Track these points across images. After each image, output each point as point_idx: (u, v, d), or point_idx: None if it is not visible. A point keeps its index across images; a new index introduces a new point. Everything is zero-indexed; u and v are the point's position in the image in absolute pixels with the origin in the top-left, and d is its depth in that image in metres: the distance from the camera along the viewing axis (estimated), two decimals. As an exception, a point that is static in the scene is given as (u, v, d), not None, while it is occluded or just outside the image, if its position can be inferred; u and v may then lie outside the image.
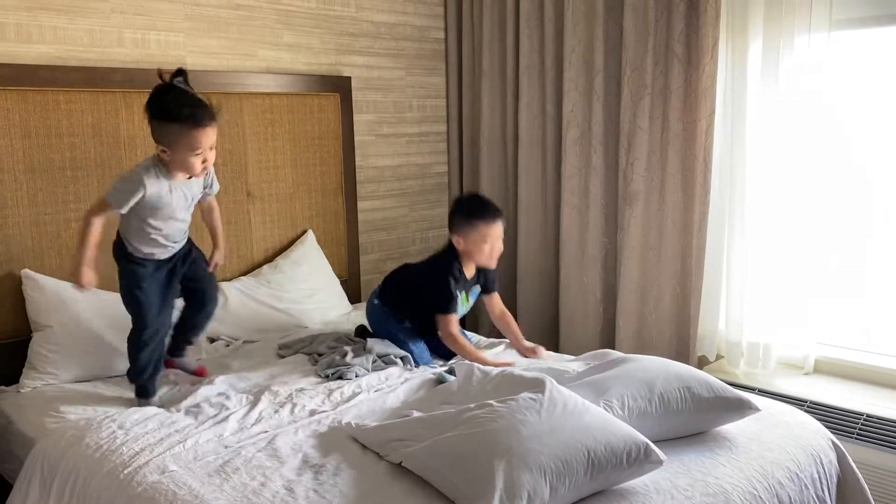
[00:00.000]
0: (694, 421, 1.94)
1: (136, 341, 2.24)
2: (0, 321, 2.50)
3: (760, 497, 1.73)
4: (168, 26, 2.83)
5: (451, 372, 2.37)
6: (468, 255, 2.60)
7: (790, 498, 1.80)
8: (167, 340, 2.37)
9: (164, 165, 2.15)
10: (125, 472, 1.78)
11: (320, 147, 3.29)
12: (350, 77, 3.38)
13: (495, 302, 2.82)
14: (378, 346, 2.58)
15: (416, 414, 1.97)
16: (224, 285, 2.91)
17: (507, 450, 1.58)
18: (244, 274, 3.06)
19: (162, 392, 2.31)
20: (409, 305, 2.66)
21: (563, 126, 3.33)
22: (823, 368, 2.95)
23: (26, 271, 2.50)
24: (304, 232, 3.26)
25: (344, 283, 3.35)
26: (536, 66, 3.46)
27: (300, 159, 3.22)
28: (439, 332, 2.58)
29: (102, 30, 2.68)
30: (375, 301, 2.72)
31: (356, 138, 3.45)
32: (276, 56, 3.16)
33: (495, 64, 3.64)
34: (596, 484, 1.62)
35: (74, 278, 2.13)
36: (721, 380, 2.06)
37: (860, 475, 2.07)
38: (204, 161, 2.14)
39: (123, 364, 2.48)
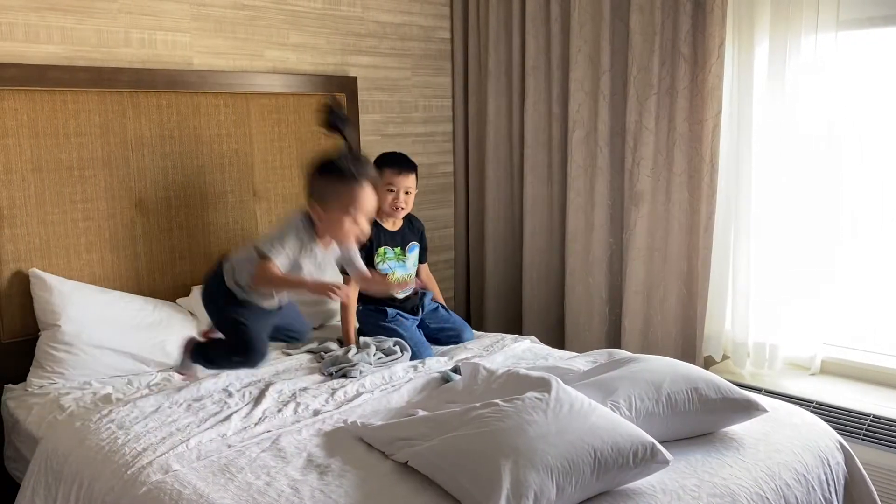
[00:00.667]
0: (701, 422, 1.93)
1: (227, 362, 2.20)
2: (8, 320, 2.51)
3: (767, 498, 1.72)
4: (175, 26, 2.84)
5: (456, 370, 2.37)
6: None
7: (797, 499, 1.79)
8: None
9: (312, 225, 2.10)
10: (129, 472, 1.78)
11: (326, 147, 3.28)
12: (356, 77, 3.38)
13: (420, 271, 3.01)
14: (372, 341, 2.64)
15: (421, 413, 1.97)
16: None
17: (513, 450, 1.58)
18: (250, 273, 3.07)
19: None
20: None
21: (569, 126, 3.33)
22: (830, 369, 2.94)
23: (34, 270, 2.51)
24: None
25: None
26: (542, 66, 3.46)
27: (306, 159, 3.22)
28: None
29: (109, 30, 2.68)
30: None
31: (362, 138, 3.45)
32: (282, 56, 3.16)
33: (501, 64, 3.64)
34: (602, 484, 1.62)
35: (330, 291, 2.03)
36: (727, 380, 2.06)
37: (868, 477, 2.06)
38: (362, 227, 2.07)
39: (130, 364, 2.51)
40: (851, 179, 2.84)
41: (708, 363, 3.13)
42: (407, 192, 2.79)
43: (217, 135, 2.94)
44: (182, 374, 2.39)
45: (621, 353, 2.47)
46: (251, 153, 3.05)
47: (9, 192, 2.47)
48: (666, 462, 1.66)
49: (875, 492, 2.06)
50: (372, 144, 3.53)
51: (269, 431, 1.99)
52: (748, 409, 1.96)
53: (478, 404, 1.80)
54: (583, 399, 1.79)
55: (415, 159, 3.70)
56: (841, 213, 2.85)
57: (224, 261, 2.21)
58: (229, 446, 1.91)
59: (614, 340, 3.32)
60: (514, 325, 3.70)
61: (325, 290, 2.04)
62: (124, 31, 2.72)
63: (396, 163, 2.78)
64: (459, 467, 1.61)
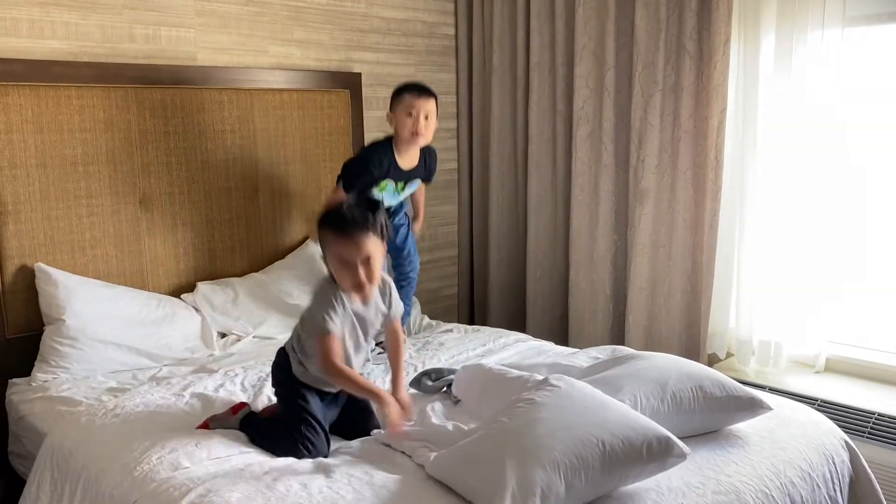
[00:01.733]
0: (706, 420, 1.92)
1: (282, 448, 1.88)
2: (13, 315, 2.51)
3: (772, 496, 1.72)
4: (179, 22, 2.83)
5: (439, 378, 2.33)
6: (397, 133, 2.67)
7: (802, 497, 1.79)
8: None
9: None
10: (138, 468, 1.78)
11: (330, 143, 3.29)
12: (360, 73, 3.38)
13: (421, 190, 2.98)
14: None
15: (434, 420, 1.97)
16: (234, 281, 2.92)
17: (519, 448, 1.57)
18: (255, 270, 3.07)
19: None
20: None
21: (574, 123, 3.32)
22: (835, 367, 2.93)
23: (39, 265, 2.51)
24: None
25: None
26: (547, 62, 3.45)
27: (310, 156, 3.22)
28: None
29: (114, 26, 2.68)
30: None
31: (366, 135, 3.44)
32: (286, 52, 3.16)
33: (505, 60, 3.63)
34: (615, 479, 1.59)
35: (379, 399, 1.85)
36: (732, 378, 2.06)
37: (873, 476, 2.05)
38: (357, 278, 1.86)
39: (134, 359, 2.51)
40: (858, 177, 2.83)
41: (712, 361, 3.12)
42: (426, 118, 2.64)
43: (221, 131, 2.94)
44: (205, 427, 2.03)
45: (625, 349, 2.47)
46: (255, 149, 3.05)
47: (13, 188, 2.47)
48: (683, 456, 1.63)
49: (880, 492, 2.05)
50: (376, 141, 3.52)
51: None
52: (753, 408, 1.96)
53: (499, 412, 1.77)
54: (596, 394, 1.78)
55: (418, 156, 3.73)
56: (847, 210, 2.84)
57: (287, 347, 2.03)
58: (239, 444, 1.91)
59: (618, 337, 3.32)
60: (518, 322, 3.70)
61: (373, 395, 1.86)
62: (128, 26, 2.71)
63: (416, 87, 2.67)
64: (468, 469, 1.61)
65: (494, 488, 1.50)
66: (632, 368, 2.03)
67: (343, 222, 1.85)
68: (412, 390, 2.27)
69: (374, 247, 1.87)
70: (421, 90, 2.66)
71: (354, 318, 1.94)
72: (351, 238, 1.84)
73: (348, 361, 1.94)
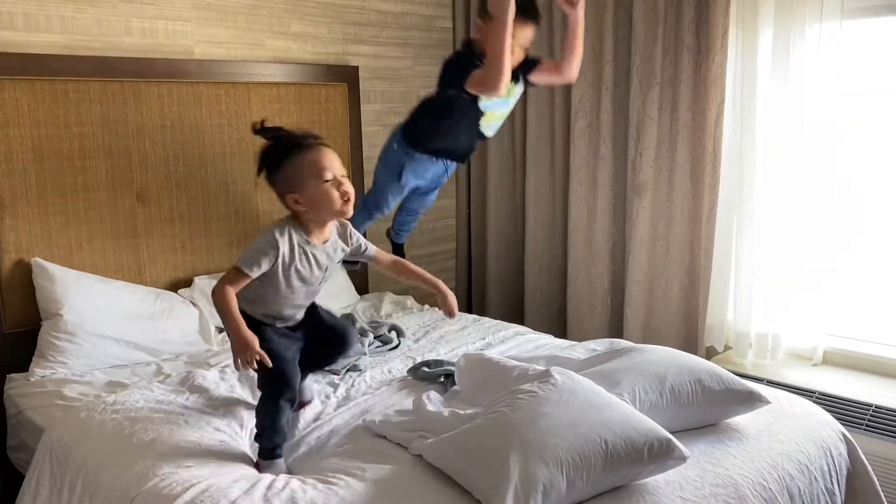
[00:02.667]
0: (704, 413, 1.93)
1: (275, 406, 1.87)
2: (10, 310, 2.51)
3: (770, 489, 1.72)
4: (176, 15, 2.82)
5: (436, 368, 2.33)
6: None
7: (800, 490, 1.80)
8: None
9: (301, 224, 1.87)
10: (138, 463, 1.78)
11: (328, 137, 3.26)
12: (357, 66, 3.37)
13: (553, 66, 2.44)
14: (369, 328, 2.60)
15: (430, 405, 1.97)
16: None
17: (523, 443, 1.57)
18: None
19: None
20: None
21: (572, 116, 3.32)
22: (832, 359, 2.94)
23: (36, 259, 2.51)
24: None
25: (351, 274, 3.35)
26: (544, 55, 3.44)
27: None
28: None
29: (110, 19, 2.67)
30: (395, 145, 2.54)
31: (363, 128, 3.44)
32: (283, 45, 3.15)
33: (503, 53, 3.61)
34: (615, 478, 1.60)
35: (241, 351, 1.78)
36: (730, 371, 2.06)
37: (870, 468, 2.06)
38: (343, 190, 1.82)
39: (132, 353, 2.51)
40: (855, 170, 2.83)
41: (710, 353, 3.13)
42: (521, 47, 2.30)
43: (218, 125, 2.93)
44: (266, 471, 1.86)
45: (622, 342, 2.47)
46: (252, 143, 3.04)
47: (10, 182, 2.47)
48: (683, 458, 1.63)
49: (878, 485, 2.06)
50: (373, 135, 3.52)
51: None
52: (751, 401, 1.96)
53: (496, 400, 1.78)
54: (598, 392, 1.77)
55: (416, 149, 3.72)
56: (844, 203, 2.84)
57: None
58: (239, 440, 1.91)
59: (616, 330, 3.32)
60: (516, 315, 3.70)
61: (240, 349, 1.77)
62: (125, 20, 2.70)
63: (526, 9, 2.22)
64: (470, 460, 1.61)
65: (497, 482, 1.50)
66: (630, 361, 2.03)
67: (303, 137, 1.80)
68: (409, 377, 2.29)
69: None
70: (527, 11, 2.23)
71: (311, 256, 1.88)
72: (327, 149, 1.80)
73: (295, 298, 1.91)
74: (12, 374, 2.45)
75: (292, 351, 1.97)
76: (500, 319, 3.43)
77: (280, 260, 1.84)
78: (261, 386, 1.97)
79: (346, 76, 3.31)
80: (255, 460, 1.84)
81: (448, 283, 3.92)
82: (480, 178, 3.83)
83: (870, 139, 2.80)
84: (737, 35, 2.91)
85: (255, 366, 1.77)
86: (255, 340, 1.76)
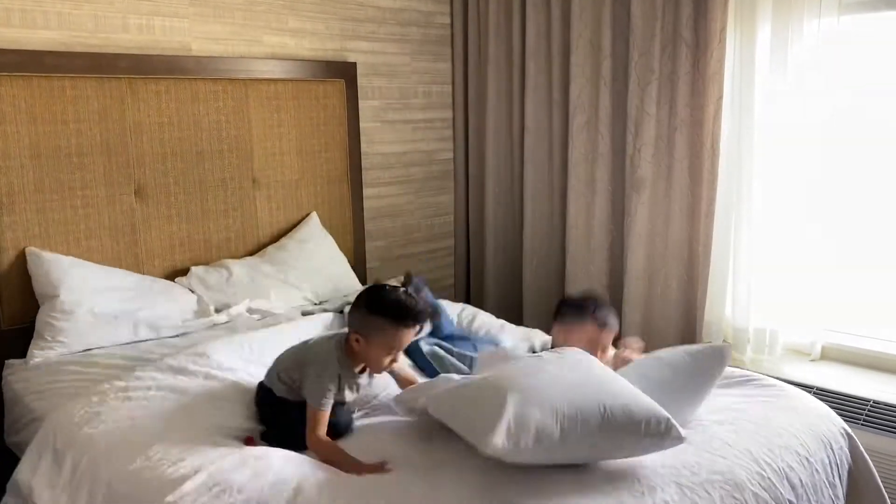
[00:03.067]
0: (684, 388, 1.89)
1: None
2: (7, 306, 2.51)
3: (769, 478, 1.72)
4: (173, 12, 2.81)
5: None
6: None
7: (801, 481, 1.79)
8: None
9: (350, 353, 1.96)
10: (152, 448, 1.77)
11: (325, 134, 3.28)
12: (355, 63, 3.36)
13: None
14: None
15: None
16: (229, 262, 2.91)
17: (522, 387, 1.59)
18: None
19: None
20: None
21: (570, 112, 3.31)
22: (830, 355, 2.94)
23: (31, 248, 2.50)
24: (308, 215, 3.26)
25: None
26: (543, 51, 3.44)
27: (305, 146, 3.21)
28: None
29: (107, 15, 2.66)
30: None
31: (361, 125, 3.44)
32: (281, 42, 3.15)
33: (501, 49, 3.62)
34: (610, 445, 1.60)
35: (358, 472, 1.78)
36: (728, 366, 2.04)
37: (872, 465, 2.05)
38: (391, 360, 1.97)
39: (132, 332, 2.49)
40: (853, 164, 2.83)
41: (708, 349, 3.13)
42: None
43: (216, 121, 2.92)
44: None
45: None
46: (250, 140, 3.04)
47: (7, 179, 2.46)
48: (680, 439, 1.63)
49: (879, 481, 2.05)
50: (371, 131, 3.52)
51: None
52: (717, 353, 1.93)
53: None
54: (605, 369, 1.79)
55: (414, 146, 3.73)
56: (843, 198, 2.84)
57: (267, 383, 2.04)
58: (242, 419, 1.92)
59: (615, 327, 3.32)
60: (515, 312, 3.70)
61: (356, 469, 1.79)
62: (122, 16, 2.70)
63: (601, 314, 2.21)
64: (469, 405, 1.64)
65: (491, 420, 1.52)
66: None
67: (407, 315, 1.91)
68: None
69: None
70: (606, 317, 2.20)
71: (353, 385, 1.99)
72: (408, 331, 1.92)
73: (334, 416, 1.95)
74: (10, 360, 2.43)
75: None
76: (498, 315, 3.44)
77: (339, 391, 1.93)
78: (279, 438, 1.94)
79: (344, 72, 3.31)
80: (250, 437, 1.90)
81: (447, 279, 3.95)
82: (478, 174, 3.83)
83: (867, 133, 2.80)
84: (735, 30, 2.90)
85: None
86: (362, 465, 1.76)
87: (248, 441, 1.89)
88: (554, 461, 1.59)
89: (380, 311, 1.90)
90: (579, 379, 1.68)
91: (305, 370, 1.93)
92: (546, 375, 1.66)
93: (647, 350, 2.25)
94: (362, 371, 2.00)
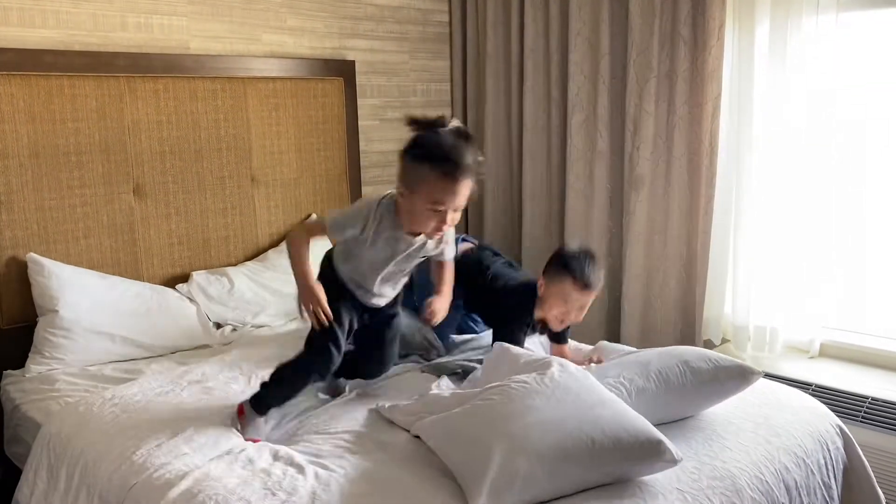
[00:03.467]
0: (698, 395, 1.91)
1: (301, 377, 1.90)
2: (6, 306, 2.51)
3: (767, 481, 1.72)
4: (171, 10, 2.81)
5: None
6: (541, 302, 2.28)
7: (797, 483, 1.80)
8: None
9: (397, 213, 1.82)
10: (137, 453, 1.78)
11: (324, 132, 3.28)
12: (354, 61, 3.36)
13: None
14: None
15: (436, 390, 2.00)
16: (230, 270, 2.91)
17: (507, 435, 1.58)
18: (250, 259, 3.06)
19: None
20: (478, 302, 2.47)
21: (569, 110, 3.31)
22: (829, 352, 2.94)
23: (32, 255, 2.51)
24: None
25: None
26: (541, 49, 3.44)
27: (304, 144, 3.21)
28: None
29: (105, 14, 2.66)
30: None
31: (360, 123, 3.44)
32: (279, 40, 3.14)
33: (500, 47, 3.61)
34: (600, 475, 1.58)
35: (307, 299, 1.84)
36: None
37: (867, 463, 2.06)
38: (440, 223, 1.76)
39: (129, 349, 2.51)
40: (852, 162, 2.83)
41: (707, 346, 3.12)
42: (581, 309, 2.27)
43: (214, 120, 2.92)
44: (250, 439, 1.91)
45: (606, 345, 2.47)
46: (249, 138, 3.04)
47: (6, 178, 2.46)
48: (674, 461, 1.59)
49: (874, 478, 2.06)
50: (370, 129, 3.52)
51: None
52: (744, 375, 1.94)
53: (493, 384, 1.78)
54: (592, 387, 1.75)
55: (413, 144, 3.72)
56: (841, 196, 2.84)
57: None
58: (235, 431, 1.91)
59: (614, 324, 3.33)
60: (514, 310, 3.70)
61: (306, 297, 1.81)
62: (120, 15, 2.70)
63: (584, 276, 2.19)
64: (456, 446, 1.62)
65: (476, 474, 1.51)
66: (617, 360, 2.03)
67: (454, 164, 1.68)
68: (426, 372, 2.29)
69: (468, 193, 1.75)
70: (590, 284, 2.20)
71: (398, 248, 1.86)
72: (457, 184, 1.69)
73: (377, 271, 1.88)
74: (8, 370, 2.45)
75: (350, 323, 1.94)
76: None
77: (365, 233, 1.82)
78: (306, 343, 1.93)
79: (343, 71, 3.31)
80: (241, 402, 1.91)
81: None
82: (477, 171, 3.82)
83: (866, 131, 2.80)
84: (733, 28, 2.90)
85: (318, 318, 1.80)
86: (321, 292, 1.78)
87: (240, 410, 1.90)
88: (544, 499, 1.55)
89: (420, 156, 1.70)
90: (566, 413, 1.64)
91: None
92: (531, 414, 1.62)
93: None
94: (416, 235, 1.84)
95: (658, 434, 1.62)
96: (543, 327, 2.34)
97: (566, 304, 2.20)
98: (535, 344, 2.45)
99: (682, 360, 1.94)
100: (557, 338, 2.41)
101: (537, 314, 2.29)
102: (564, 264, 2.20)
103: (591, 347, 2.49)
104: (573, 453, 1.55)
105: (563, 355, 2.30)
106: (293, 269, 1.87)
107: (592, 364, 2.14)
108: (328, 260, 2.00)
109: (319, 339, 1.89)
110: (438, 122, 1.75)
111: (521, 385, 1.73)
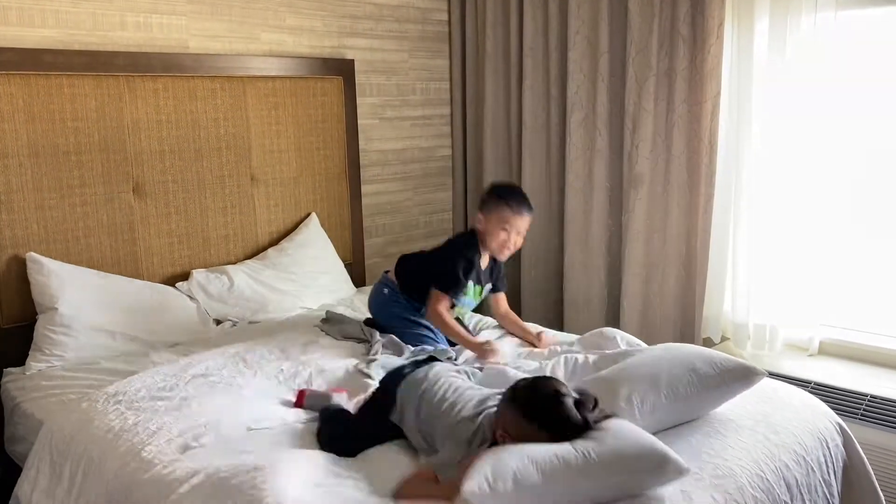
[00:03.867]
0: (706, 398, 1.91)
1: (333, 446, 1.81)
2: (6, 305, 2.51)
3: (768, 479, 1.73)
4: (170, 9, 2.81)
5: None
6: (484, 238, 2.51)
7: (797, 480, 1.80)
8: None
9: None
10: (144, 450, 1.78)
11: (324, 131, 3.28)
12: (353, 60, 3.36)
13: (501, 302, 2.73)
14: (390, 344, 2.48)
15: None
16: (230, 268, 2.92)
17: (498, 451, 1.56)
18: (250, 257, 3.07)
19: None
20: (422, 290, 2.55)
21: (568, 108, 3.31)
22: (828, 350, 2.95)
23: (31, 254, 2.50)
24: (308, 215, 3.26)
25: (348, 267, 3.35)
26: (540, 47, 3.44)
27: (304, 143, 3.21)
28: (426, 308, 2.49)
29: (105, 13, 2.66)
30: (385, 291, 2.61)
31: (359, 122, 3.44)
32: (279, 39, 3.14)
33: (499, 46, 3.62)
34: (602, 486, 1.52)
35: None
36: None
37: (866, 460, 2.06)
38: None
39: (129, 346, 2.51)
40: (851, 160, 2.83)
41: (707, 345, 3.13)
42: (519, 234, 2.52)
43: (214, 119, 2.92)
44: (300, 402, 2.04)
45: (611, 331, 2.46)
46: (248, 137, 3.04)
47: (5, 178, 2.46)
48: (681, 472, 1.54)
49: (873, 476, 2.06)
50: (369, 128, 3.52)
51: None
52: (748, 376, 1.94)
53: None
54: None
55: (412, 142, 3.73)
56: (840, 194, 2.85)
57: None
58: (249, 430, 1.90)
59: (613, 322, 3.33)
60: (513, 308, 3.68)
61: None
62: (120, 14, 2.69)
63: (516, 201, 2.50)
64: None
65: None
66: (626, 368, 1.99)
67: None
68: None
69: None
70: (521, 205, 2.50)
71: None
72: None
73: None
74: (9, 368, 2.45)
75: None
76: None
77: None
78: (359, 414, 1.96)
79: (342, 70, 3.31)
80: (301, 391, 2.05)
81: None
82: (477, 170, 3.83)
83: (865, 129, 2.81)
84: (733, 26, 2.91)
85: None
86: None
87: (300, 396, 2.03)
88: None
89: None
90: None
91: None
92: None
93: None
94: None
95: (663, 447, 1.56)
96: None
97: (507, 231, 2.49)
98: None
99: (690, 367, 1.92)
100: (496, 288, 2.70)
101: (485, 255, 2.57)
102: (499, 194, 2.53)
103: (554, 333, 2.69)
104: (570, 462, 1.49)
105: (500, 304, 2.73)
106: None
107: (603, 374, 2.11)
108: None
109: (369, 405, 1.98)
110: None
111: None
